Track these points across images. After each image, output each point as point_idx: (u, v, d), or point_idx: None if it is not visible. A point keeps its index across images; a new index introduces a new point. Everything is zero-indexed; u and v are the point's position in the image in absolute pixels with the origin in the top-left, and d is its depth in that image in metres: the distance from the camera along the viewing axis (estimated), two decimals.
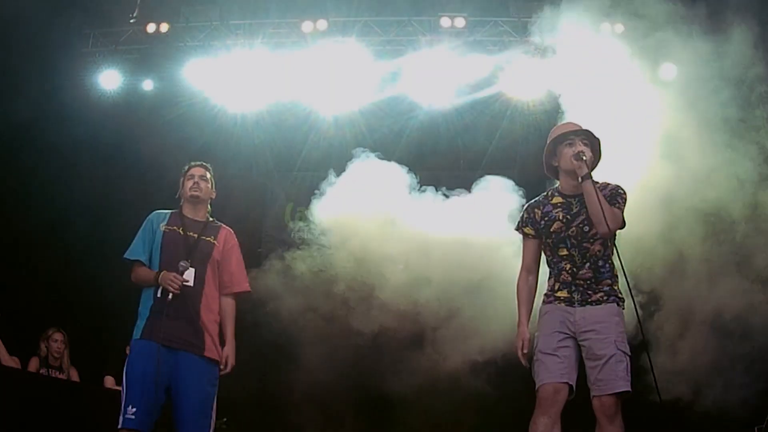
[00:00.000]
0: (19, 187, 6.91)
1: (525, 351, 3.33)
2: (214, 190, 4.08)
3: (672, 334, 5.76)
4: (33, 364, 5.83)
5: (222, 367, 3.75)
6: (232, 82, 7.54)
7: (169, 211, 3.96)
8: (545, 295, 3.47)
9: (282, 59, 7.50)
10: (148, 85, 7.93)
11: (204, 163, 4.11)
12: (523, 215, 3.54)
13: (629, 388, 3.18)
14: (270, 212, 8.37)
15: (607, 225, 3.21)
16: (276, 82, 7.53)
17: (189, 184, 3.97)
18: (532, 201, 3.56)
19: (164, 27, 7.64)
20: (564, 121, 3.61)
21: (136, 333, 3.69)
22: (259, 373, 7.38)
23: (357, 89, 7.41)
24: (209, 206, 4.07)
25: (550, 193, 3.52)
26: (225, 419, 7.14)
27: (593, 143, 3.45)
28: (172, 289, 3.61)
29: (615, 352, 3.19)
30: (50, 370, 5.81)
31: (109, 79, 7.74)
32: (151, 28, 7.63)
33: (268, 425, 7.36)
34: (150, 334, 3.62)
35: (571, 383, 3.21)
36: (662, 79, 6.41)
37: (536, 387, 3.26)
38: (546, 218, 3.43)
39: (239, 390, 7.32)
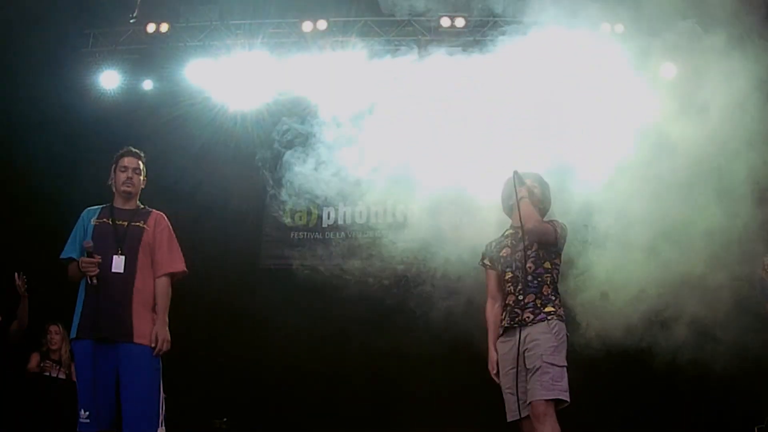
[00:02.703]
0: (18, 187, 6.91)
1: (495, 372, 3.75)
2: (145, 178, 4.02)
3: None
4: (34, 360, 5.88)
5: (153, 345, 3.67)
6: (232, 82, 7.54)
7: (101, 206, 3.93)
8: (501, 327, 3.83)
9: (282, 59, 7.50)
10: (148, 85, 7.93)
11: (138, 152, 4.00)
12: (483, 251, 3.96)
13: (550, 397, 3.46)
14: (270, 212, 8.38)
15: (532, 223, 3.61)
16: (276, 82, 7.53)
17: (122, 177, 3.90)
18: (492, 239, 3.97)
19: (164, 27, 7.64)
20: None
21: (72, 332, 3.70)
22: (259, 371, 7.39)
23: (357, 89, 7.40)
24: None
25: (505, 230, 3.94)
26: (225, 419, 7.16)
27: (543, 186, 3.90)
28: (90, 273, 3.61)
29: (541, 364, 3.51)
30: (51, 364, 5.85)
31: (109, 79, 7.74)
32: (151, 28, 7.64)
33: (268, 425, 7.36)
34: (84, 332, 3.63)
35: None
36: (662, 78, 6.42)
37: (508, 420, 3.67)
38: (497, 245, 3.87)
39: (239, 389, 7.37)
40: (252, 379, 7.40)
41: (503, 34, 6.48)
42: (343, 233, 8.22)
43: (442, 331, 7.05)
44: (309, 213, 8.27)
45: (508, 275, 3.74)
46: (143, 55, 7.84)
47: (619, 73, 5.88)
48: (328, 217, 8.26)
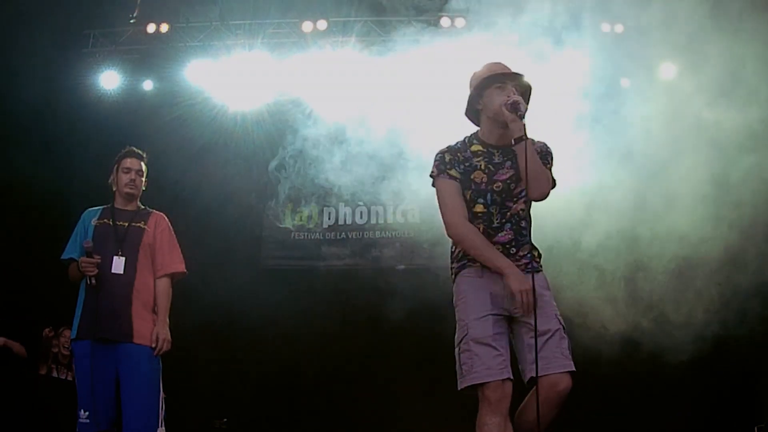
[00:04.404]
0: (19, 188, 6.91)
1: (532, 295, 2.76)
2: (146, 179, 4.02)
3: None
4: (42, 370, 5.89)
5: (153, 345, 3.69)
6: (233, 82, 7.54)
7: (102, 207, 3.94)
8: (455, 260, 3.05)
9: (282, 59, 7.50)
10: (148, 85, 7.93)
11: (140, 153, 4.00)
12: (444, 157, 3.01)
13: (574, 369, 2.85)
14: (270, 213, 8.38)
15: (543, 189, 2.89)
16: (276, 82, 7.53)
17: (125, 179, 3.90)
18: (451, 145, 3.07)
19: (164, 27, 7.63)
20: (493, 62, 3.11)
21: (72, 332, 3.72)
22: (260, 371, 7.39)
23: (357, 89, 7.41)
24: None
25: (467, 140, 3.08)
26: (225, 419, 7.16)
27: (526, 92, 3.06)
28: (89, 273, 3.61)
29: (558, 326, 2.88)
30: (59, 367, 5.87)
31: (109, 79, 7.73)
32: (151, 28, 7.63)
33: (268, 425, 7.35)
34: (84, 332, 3.64)
35: (511, 378, 2.83)
36: (662, 78, 6.45)
37: (468, 384, 2.83)
38: (467, 164, 2.99)
39: (239, 389, 7.37)
40: (252, 379, 7.40)
41: (503, 33, 6.49)
42: (343, 233, 8.22)
43: (445, 331, 7.05)
44: (309, 213, 8.27)
45: (479, 208, 2.96)
46: (143, 55, 7.83)
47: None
48: (329, 218, 8.26)
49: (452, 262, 3.11)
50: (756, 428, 5.92)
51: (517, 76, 3.04)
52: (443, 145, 3.09)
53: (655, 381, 6.57)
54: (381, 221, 8.16)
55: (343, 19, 7.54)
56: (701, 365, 5.95)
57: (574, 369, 2.84)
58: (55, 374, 5.86)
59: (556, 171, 3.11)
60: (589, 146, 5.68)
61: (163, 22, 7.63)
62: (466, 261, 3.00)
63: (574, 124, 5.73)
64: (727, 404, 6.59)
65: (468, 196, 2.98)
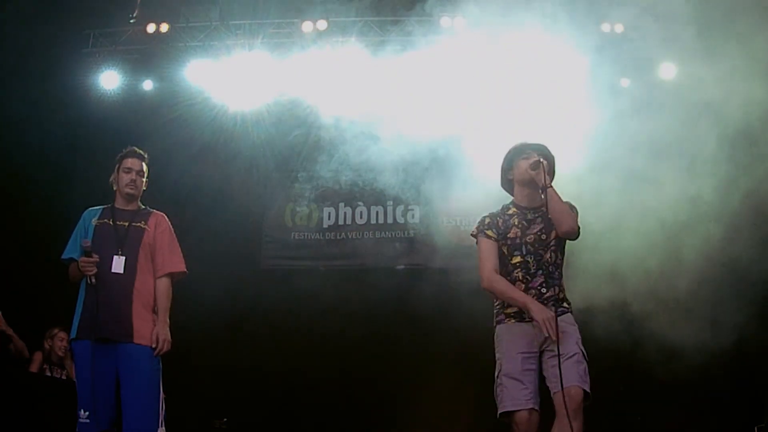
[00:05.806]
0: (19, 187, 6.91)
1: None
2: (147, 179, 4.03)
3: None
4: (36, 360, 5.90)
5: (153, 345, 3.70)
6: (233, 82, 7.54)
7: (102, 206, 3.94)
8: (495, 314, 3.55)
9: (282, 59, 7.50)
10: (148, 85, 7.92)
11: (141, 153, 4.02)
12: (484, 220, 3.59)
13: (589, 390, 3.29)
14: (270, 212, 8.39)
15: (570, 223, 3.39)
16: (276, 82, 7.53)
17: (126, 179, 3.92)
18: (492, 212, 3.64)
19: (164, 27, 7.62)
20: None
21: (72, 332, 3.72)
22: (259, 371, 7.39)
23: (357, 89, 7.40)
24: None
25: (504, 207, 3.65)
26: (225, 419, 7.16)
27: (549, 159, 3.56)
28: (88, 273, 3.63)
29: (577, 351, 3.33)
30: (52, 367, 5.88)
31: (109, 79, 7.73)
32: (151, 28, 7.62)
33: (268, 425, 7.36)
34: (84, 332, 3.64)
35: (537, 408, 3.30)
36: (662, 78, 6.45)
37: (499, 412, 3.32)
38: (504, 226, 3.54)
39: (239, 389, 7.37)
40: (252, 379, 7.40)
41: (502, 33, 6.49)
42: (343, 234, 8.23)
43: (444, 332, 7.07)
44: (309, 213, 8.27)
45: (517, 259, 3.48)
46: (143, 55, 7.82)
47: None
48: (329, 218, 8.26)
49: (495, 314, 3.58)
50: (756, 428, 5.92)
51: (539, 147, 3.57)
52: (486, 212, 3.64)
53: (654, 381, 6.56)
54: (381, 221, 8.16)
55: (343, 19, 7.53)
56: (701, 365, 5.94)
57: (587, 389, 3.27)
58: (48, 373, 5.86)
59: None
60: (589, 147, 5.68)
61: (163, 22, 7.62)
62: (504, 316, 3.49)
63: (574, 124, 5.72)
64: (727, 404, 6.60)
65: (506, 251, 3.51)
